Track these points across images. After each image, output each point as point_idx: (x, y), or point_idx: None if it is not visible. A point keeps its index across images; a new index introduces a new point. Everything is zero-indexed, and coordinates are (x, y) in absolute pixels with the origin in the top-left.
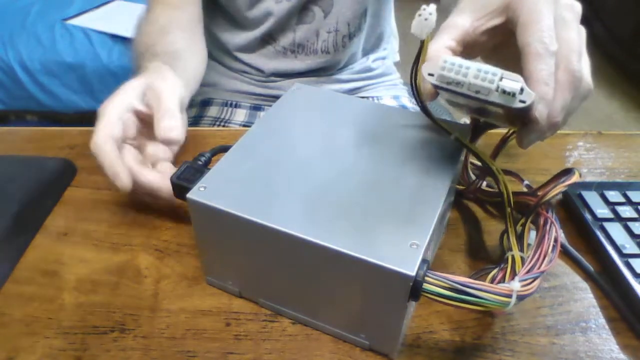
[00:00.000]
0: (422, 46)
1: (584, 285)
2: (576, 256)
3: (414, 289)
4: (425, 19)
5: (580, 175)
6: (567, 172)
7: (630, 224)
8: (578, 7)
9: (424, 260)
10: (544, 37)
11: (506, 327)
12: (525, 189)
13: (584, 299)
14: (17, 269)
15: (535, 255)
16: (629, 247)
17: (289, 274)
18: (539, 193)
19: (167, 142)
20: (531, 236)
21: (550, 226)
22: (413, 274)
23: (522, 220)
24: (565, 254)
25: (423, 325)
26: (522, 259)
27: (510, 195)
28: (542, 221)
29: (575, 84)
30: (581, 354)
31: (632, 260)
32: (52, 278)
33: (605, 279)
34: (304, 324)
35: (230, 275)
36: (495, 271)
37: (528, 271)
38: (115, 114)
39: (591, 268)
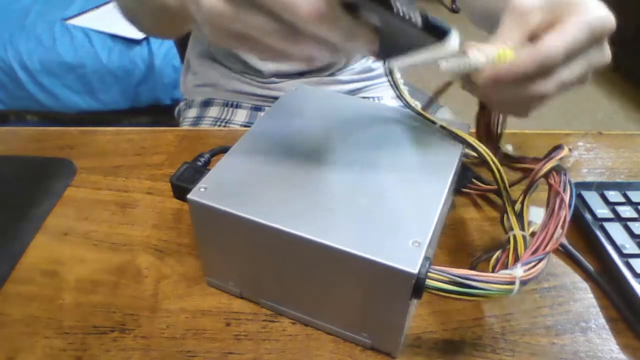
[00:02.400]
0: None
1: (584, 285)
2: (576, 256)
3: (417, 286)
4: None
5: (569, 150)
6: (556, 148)
7: (630, 224)
8: (611, 23)
9: (426, 258)
10: (561, 52)
11: (506, 327)
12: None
13: (584, 299)
14: (17, 269)
15: (542, 235)
16: (629, 247)
17: (290, 273)
18: (533, 167)
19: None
20: (531, 213)
21: (561, 203)
22: (416, 271)
23: (520, 198)
24: (565, 254)
25: (423, 325)
26: (524, 237)
27: (504, 176)
28: (552, 195)
29: (542, 63)
30: (581, 354)
31: (632, 260)
32: (52, 278)
33: (605, 279)
34: (306, 324)
35: (231, 276)
36: (498, 253)
37: (533, 252)
38: None
39: (591, 268)
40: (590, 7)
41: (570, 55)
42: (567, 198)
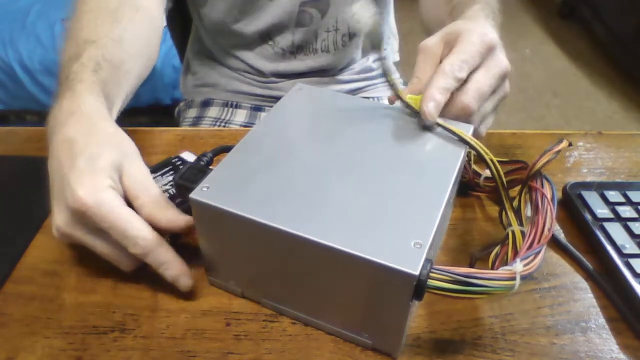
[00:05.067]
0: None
1: (584, 285)
2: (576, 256)
3: (418, 288)
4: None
5: (570, 145)
6: (557, 142)
7: (630, 224)
8: (506, 67)
9: (427, 260)
10: (455, 64)
11: (506, 327)
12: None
13: (584, 299)
14: (17, 269)
15: (533, 230)
16: (629, 247)
17: (292, 274)
18: (529, 164)
19: (177, 231)
20: (528, 209)
21: (543, 198)
22: (417, 273)
23: (518, 196)
24: (565, 253)
25: (423, 325)
26: (523, 233)
27: (501, 172)
28: (534, 195)
29: (463, 114)
30: (581, 354)
31: (632, 260)
32: (52, 278)
33: (605, 279)
34: (306, 324)
35: (233, 275)
36: (497, 248)
37: (529, 247)
38: (123, 204)
39: (591, 268)
40: (472, 30)
41: (465, 66)
42: (547, 192)
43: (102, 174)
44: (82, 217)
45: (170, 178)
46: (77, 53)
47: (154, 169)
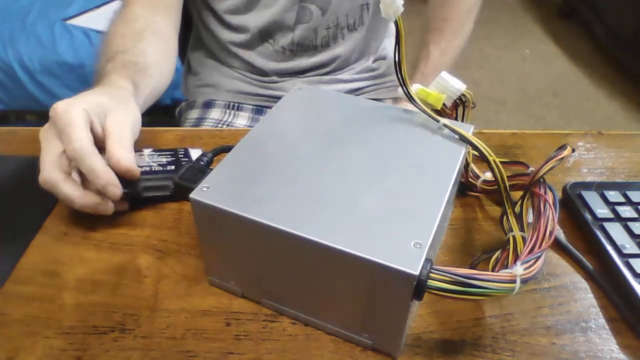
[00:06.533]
0: (398, 28)
1: (584, 285)
2: (576, 256)
3: (418, 288)
4: (388, 2)
5: (573, 150)
6: (560, 148)
7: (630, 224)
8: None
9: (427, 260)
10: None
11: (506, 327)
12: None
13: (584, 299)
14: (17, 269)
15: (534, 235)
16: (629, 247)
17: (292, 273)
18: (532, 170)
19: (119, 171)
20: (530, 215)
21: (545, 204)
22: (417, 273)
23: (520, 201)
24: (565, 254)
25: (423, 325)
26: (523, 238)
27: (504, 176)
28: (536, 201)
29: None
30: (581, 354)
31: (632, 260)
32: (52, 278)
33: (605, 279)
34: (306, 324)
35: (233, 275)
36: (498, 253)
37: (530, 252)
38: (84, 121)
39: (591, 268)
40: None
41: None
42: (550, 199)
43: (83, 100)
44: (52, 123)
45: (164, 160)
46: (110, 58)
47: (157, 150)
